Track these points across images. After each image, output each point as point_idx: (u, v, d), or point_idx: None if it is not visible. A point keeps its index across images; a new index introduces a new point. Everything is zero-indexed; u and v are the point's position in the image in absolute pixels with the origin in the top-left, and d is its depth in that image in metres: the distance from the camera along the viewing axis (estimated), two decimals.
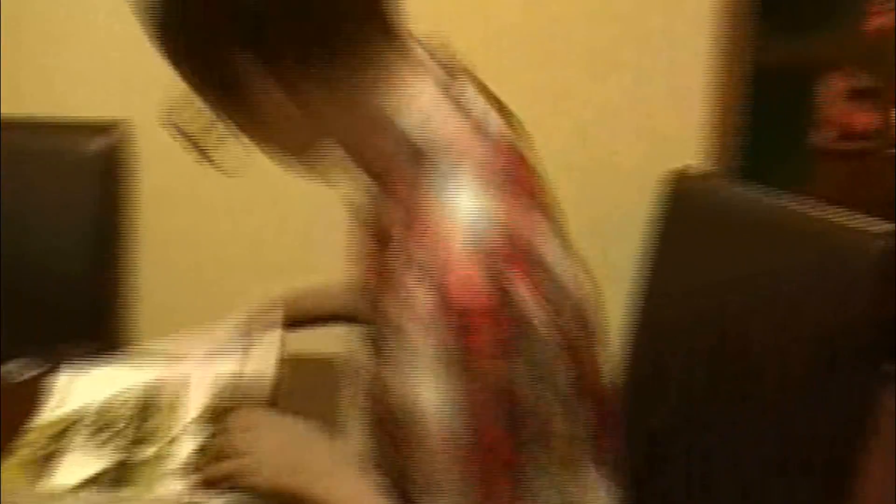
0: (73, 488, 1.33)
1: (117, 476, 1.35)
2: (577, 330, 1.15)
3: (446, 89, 1.14)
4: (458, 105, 1.14)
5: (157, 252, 2.25)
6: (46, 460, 1.38)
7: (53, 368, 1.64)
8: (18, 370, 1.75)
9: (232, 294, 2.24)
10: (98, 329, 2.10)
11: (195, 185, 2.23)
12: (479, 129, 1.14)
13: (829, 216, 1.37)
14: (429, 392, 1.05)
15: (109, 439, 1.43)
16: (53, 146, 2.14)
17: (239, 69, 1.08)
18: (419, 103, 1.12)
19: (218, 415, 1.43)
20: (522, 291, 1.05)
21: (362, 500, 1.17)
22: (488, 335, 1.03)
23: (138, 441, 1.43)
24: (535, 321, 1.06)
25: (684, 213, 1.61)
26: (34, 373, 1.74)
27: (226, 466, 1.26)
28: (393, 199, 1.14)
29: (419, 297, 1.05)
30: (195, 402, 1.48)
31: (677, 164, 1.69)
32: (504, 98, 1.98)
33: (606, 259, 2.13)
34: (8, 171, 2.10)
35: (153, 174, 2.22)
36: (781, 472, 1.34)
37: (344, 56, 1.10)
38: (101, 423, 1.46)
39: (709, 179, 1.82)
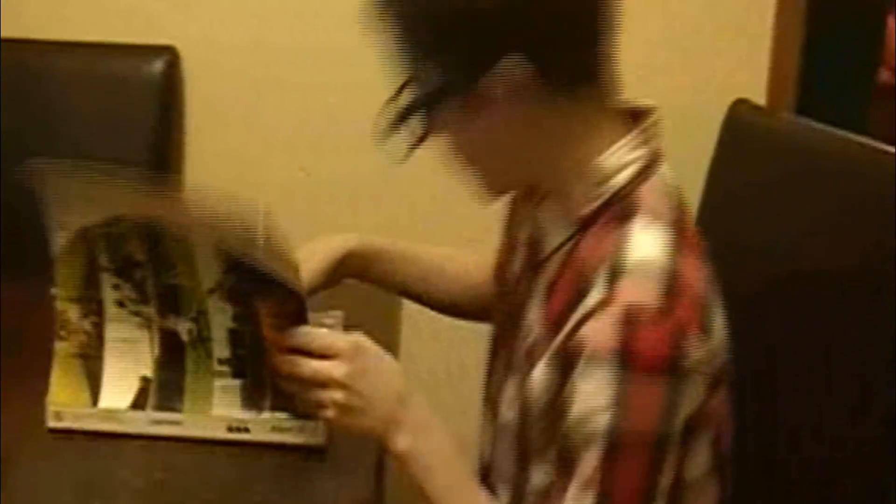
0: (129, 409, 1.34)
1: (166, 395, 1.36)
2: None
3: (643, 143, 1.23)
4: (650, 158, 1.22)
5: (210, 177, 2.25)
6: (91, 369, 1.37)
7: None
8: None
9: (286, 222, 2.24)
10: None
11: (249, 110, 2.23)
12: (663, 181, 1.23)
13: (888, 153, 1.35)
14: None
15: (139, 303, 1.39)
16: (111, 69, 2.14)
17: (509, 77, 1.15)
18: (618, 152, 1.21)
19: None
20: (694, 347, 1.11)
21: (447, 462, 1.25)
22: (653, 389, 1.10)
23: (170, 312, 1.39)
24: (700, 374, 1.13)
25: (742, 146, 1.59)
26: None
27: (330, 397, 1.24)
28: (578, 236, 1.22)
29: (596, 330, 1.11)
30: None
31: (736, 97, 1.66)
32: None
33: None
34: (66, 93, 2.11)
35: (207, 99, 2.21)
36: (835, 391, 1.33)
37: (596, 88, 1.21)
38: (119, 269, 1.40)
39: (767, 114, 1.79)
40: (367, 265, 1.55)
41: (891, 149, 1.33)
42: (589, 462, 1.12)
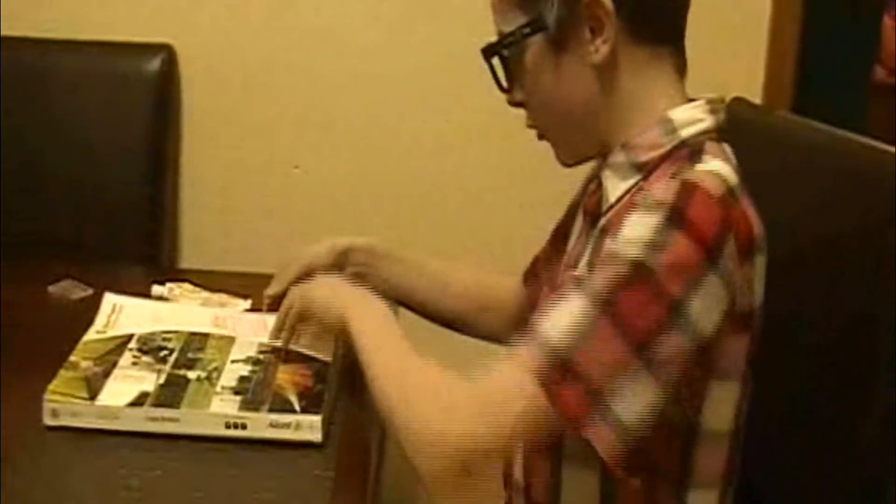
0: (126, 406, 1.34)
1: (165, 397, 1.36)
2: None
3: (712, 112, 1.30)
4: (718, 125, 1.29)
5: (206, 174, 2.25)
6: (91, 380, 1.38)
7: (101, 290, 1.65)
8: (66, 291, 1.77)
9: (281, 219, 2.25)
10: (147, 251, 2.11)
11: (246, 108, 2.23)
12: (728, 152, 1.28)
13: (884, 151, 1.35)
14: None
15: (155, 363, 1.43)
16: (108, 67, 2.15)
17: (595, 20, 1.23)
18: (690, 109, 1.28)
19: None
20: (731, 254, 1.15)
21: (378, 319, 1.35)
22: (690, 255, 1.13)
23: (183, 366, 1.43)
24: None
25: (739, 144, 1.59)
26: (82, 294, 1.76)
27: (288, 310, 1.47)
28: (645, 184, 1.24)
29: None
30: (241, 351, 1.50)
31: (733, 95, 1.66)
32: None
33: None
34: (64, 91, 2.11)
35: (204, 96, 2.21)
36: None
37: (674, 50, 1.31)
38: (147, 349, 1.47)
39: (763, 112, 1.79)
40: (372, 262, 1.61)
41: (888, 147, 1.33)
42: (605, 277, 1.13)
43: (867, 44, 3.06)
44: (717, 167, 1.19)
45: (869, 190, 1.32)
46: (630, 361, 1.11)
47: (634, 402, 1.12)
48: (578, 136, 1.32)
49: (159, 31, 2.16)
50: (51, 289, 1.77)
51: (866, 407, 1.28)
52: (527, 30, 1.26)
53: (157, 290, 1.73)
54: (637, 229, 1.13)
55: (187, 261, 2.24)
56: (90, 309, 1.58)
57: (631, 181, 1.25)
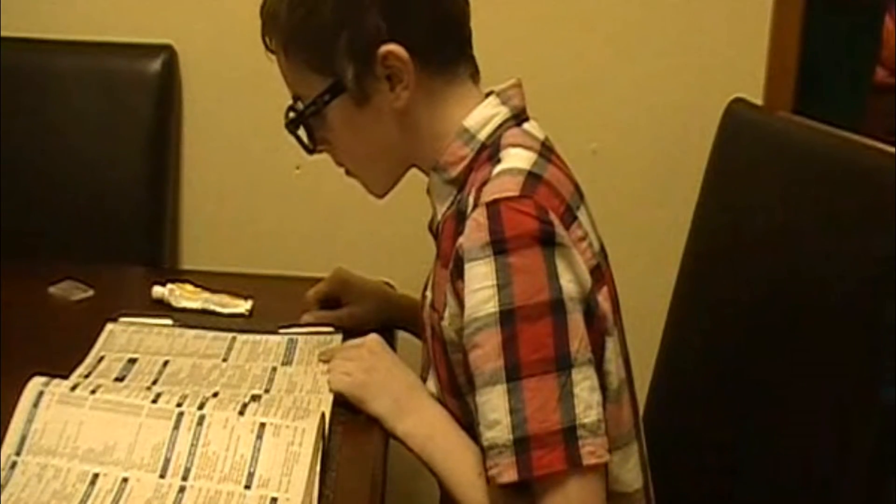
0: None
1: None
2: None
3: (503, 103, 1.33)
4: (512, 113, 1.33)
5: (207, 175, 2.25)
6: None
7: (101, 291, 1.65)
8: (66, 292, 1.77)
9: (282, 220, 2.24)
10: (148, 251, 2.11)
11: (246, 108, 2.23)
12: (527, 132, 1.33)
13: (884, 151, 1.35)
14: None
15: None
16: (109, 68, 2.14)
17: (387, 68, 1.28)
18: (481, 110, 1.32)
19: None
20: (558, 224, 1.19)
21: (443, 433, 1.32)
22: (531, 258, 1.17)
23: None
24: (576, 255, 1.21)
25: (739, 144, 1.59)
26: (83, 295, 1.76)
27: (344, 381, 1.40)
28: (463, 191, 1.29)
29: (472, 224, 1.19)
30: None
31: (733, 95, 1.66)
32: (570, 37, 1.96)
33: (666, 190, 2.14)
34: (65, 92, 2.11)
35: (205, 97, 2.21)
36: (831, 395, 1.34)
37: (466, 50, 1.35)
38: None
39: (763, 112, 1.79)
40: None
41: (889, 148, 1.33)
42: (490, 345, 1.17)
43: (868, 44, 3.05)
44: (511, 162, 1.24)
45: (869, 190, 1.32)
46: (564, 381, 1.16)
47: (588, 400, 1.17)
48: (388, 173, 1.39)
49: (160, 31, 2.16)
50: (51, 289, 1.76)
51: (866, 406, 1.28)
52: (327, 96, 1.30)
53: (157, 290, 1.73)
54: (479, 287, 1.17)
55: (188, 261, 2.24)
56: (90, 310, 1.58)
57: (450, 199, 1.32)
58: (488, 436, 1.18)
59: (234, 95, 2.21)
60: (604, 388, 1.23)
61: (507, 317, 1.16)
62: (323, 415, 1.30)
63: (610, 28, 2.13)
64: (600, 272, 1.26)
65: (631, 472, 1.31)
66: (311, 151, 1.39)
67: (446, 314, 1.27)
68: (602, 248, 1.32)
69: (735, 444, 1.46)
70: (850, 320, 1.31)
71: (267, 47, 1.36)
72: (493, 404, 1.17)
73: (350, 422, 1.38)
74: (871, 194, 1.31)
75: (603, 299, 1.24)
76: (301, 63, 1.32)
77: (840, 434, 1.30)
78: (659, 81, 2.15)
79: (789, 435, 1.38)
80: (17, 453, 1.24)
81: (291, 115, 1.36)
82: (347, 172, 1.41)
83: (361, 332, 1.50)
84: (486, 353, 1.17)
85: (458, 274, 1.21)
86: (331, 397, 1.42)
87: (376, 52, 1.26)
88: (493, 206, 1.17)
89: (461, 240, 1.20)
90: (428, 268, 1.41)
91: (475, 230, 1.18)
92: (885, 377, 1.26)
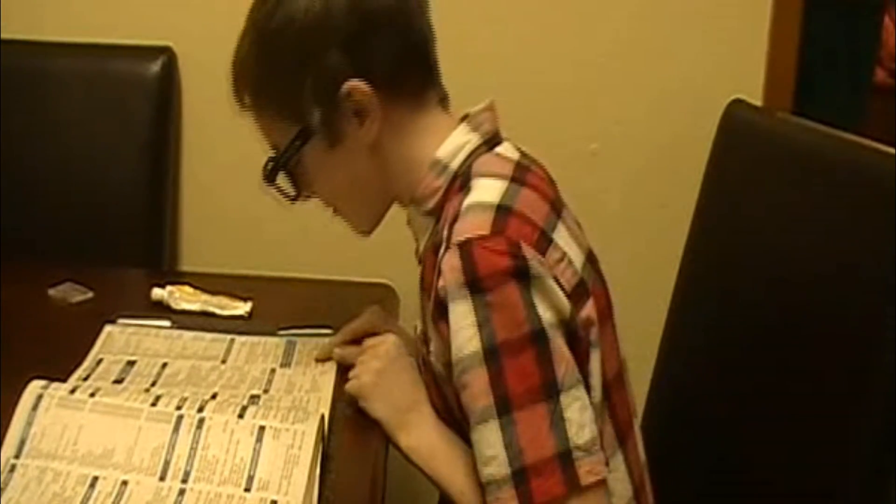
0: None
1: None
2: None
3: (474, 129, 1.33)
4: (483, 139, 1.33)
5: (206, 176, 2.25)
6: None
7: (101, 293, 1.65)
8: (66, 294, 1.77)
9: (281, 222, 2.24)
10: (147, 253, 2.11)
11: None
12: (500, 156, 1.33)
13: (884, 151, 1.35)
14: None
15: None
16: (109, 70, 2.14)
17: (354, 106, 1.28)
18: (452, 139, 1.32)
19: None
20: (533, 255, 1.20)
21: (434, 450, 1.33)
22: (507, 294, 1.18)
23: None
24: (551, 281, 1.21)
25: (739, 145, 1.59)
26: (82, 297, 1.76)
27: (352, 382, 1.41)
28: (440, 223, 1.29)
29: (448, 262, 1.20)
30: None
31: (733, 96, 1.66)
32: (570, 38, 1.95)
33: (666, 190, 2.14)
34: (64, 93, 2.11)
35: (204, 99, 2.21)
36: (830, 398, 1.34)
37: (433, 74, 1.35)
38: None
39: (763, 113, 1.79)
40: None
41: (888, 149, 1.33)
42: (478, 384, 1.18)
43: (867, 44, 3.06)
44: (479, 195, 1.25)
45: (869, 190, 1.32)
46: (554, 407, 1.17)
47: (580, 420, 1.18)
48: (369, 209, 1.40)
49: (160, 33, 2.15)
50: (51, 292, 1.76)
51: (866, 406, 1.28)
52: (298, 142, 1.32)
53: (157, 292, 1.73)
54: (461, 327, 1.19)
55: (187, 263, 2.24)
56: (90, 312, 1.58)
57: (429, 230, 1.32)
58: (486, 472, 1.19)
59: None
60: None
61: (491, 354, 1.17)
62: (322, 416, 1.30)
63: (610, 28, 2.13)
64: (583, 287, 1.26)
65: (620, 483, 1.31)
66: (294, 199, 1.40)
67: (432, 348, 1.29)
68: (589, 255, 1.32)
69: (735, 444, 1.46)
70: (850, 320, 1.31)
71: (241, 106, 1.37)
72: (488, 440, 1.18)
73: (350, 422, 1.39)
74: (871, 194, 1.31)
75: (586, 313, 1.25)
76: (273, 114, 1.34)
77: (840, 434, 1.30)
78: (659, 82, 2.15)
79: (789, 435, 1.38)
80: (17, 456, 1.25)
81: (270, 166, 1.37)
82: (335, 212, 1.43)
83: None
84: (476, 393, 1.19)
85: (439, 315, 1.22)
86: (330, 397, 1.42)
87: (339, 90, 1.27)
88: (465, 248, 1.18)
89: (440, 282, 1.21)
90: None
91: (450, 272, 1.19)
92: (885, 377, 1.26)
